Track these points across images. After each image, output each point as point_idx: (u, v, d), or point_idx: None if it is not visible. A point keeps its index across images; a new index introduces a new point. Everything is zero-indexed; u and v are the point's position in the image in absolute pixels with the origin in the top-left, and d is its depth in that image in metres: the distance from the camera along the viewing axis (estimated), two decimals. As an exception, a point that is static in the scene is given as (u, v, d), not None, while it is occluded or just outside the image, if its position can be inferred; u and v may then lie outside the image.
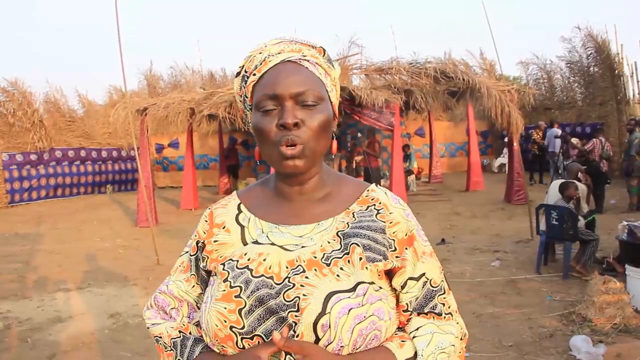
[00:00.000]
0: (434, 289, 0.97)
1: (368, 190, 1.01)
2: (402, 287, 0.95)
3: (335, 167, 11.76)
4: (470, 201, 10.84)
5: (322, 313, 0.84)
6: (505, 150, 13.96)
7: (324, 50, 0.99)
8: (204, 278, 1.02)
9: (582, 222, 5.38)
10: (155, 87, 17.73)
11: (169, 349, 0.99)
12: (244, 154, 16.32)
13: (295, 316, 0.85)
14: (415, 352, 0.90)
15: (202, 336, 0.99)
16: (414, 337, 0.93)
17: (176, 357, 0.98)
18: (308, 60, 0.94)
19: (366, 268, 0.90)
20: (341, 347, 0.85)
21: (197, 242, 1.03)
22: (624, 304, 3.93)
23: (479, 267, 5.77)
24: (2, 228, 10.00)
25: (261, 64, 0.93)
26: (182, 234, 8.34)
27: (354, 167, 12.55)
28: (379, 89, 9.39)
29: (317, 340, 0.84)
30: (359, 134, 13.48)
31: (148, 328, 1.04)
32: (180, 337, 0.99)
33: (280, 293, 0.87)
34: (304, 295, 0.86)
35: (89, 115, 16.37)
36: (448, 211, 9.78)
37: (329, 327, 0.84)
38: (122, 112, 9.72)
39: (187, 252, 1.07)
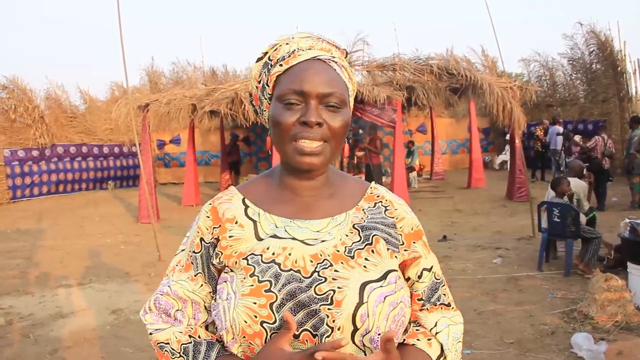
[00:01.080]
0: (437, 280, 1.04)
1: (371, 188, 1.05)
2: (419, 277, 1.00)
3: (336, 164, 11.76)
4: (471, 198, 10.83)
5: (360, 303, 0.86)
6: (507, 147, 13.94)
7: (347, 53, 0.99)
8: (214, 275, 0.98)
9: (583, 219, 5.38)
10: (157, 83, 17.73)
11: (179, 355, 0.93)
12: (246, 150, 16.33)
13: (329, 309, 0.85)
14: (442, 347, 0.97)
15: (212, 339, 0.96)
16: (436, 333, 0.98)
17: None
18: (336, 62, 0.94)
19: (395, 257, 0.95)
20: (379, 334, 0.87)
21: (202, 239, 0.98)
22: (626, 301, 3.93)
23: (481, 264, 5.77)
24: (4, 224, 10.03)
25: (289, 55, 0.92)
26: (183, 230, 8.26)
27: (355, 163, 12.55)
28: (381, 85, 9.38)
29: (355, 330, 0.86)
30: (361, 131, 13.47)
31: (150, 334, 0.99)
32: (191, 342, 0.94)
33: (310, 287, 0.87)
34: (338, 287, 0.87)
35: (90, 111, 16.40)
36: (450, 208, 9.78)
37: (367, 316, 0.86)
38: (124, 108, 9.70)
39: (185, 250, 1.03)
